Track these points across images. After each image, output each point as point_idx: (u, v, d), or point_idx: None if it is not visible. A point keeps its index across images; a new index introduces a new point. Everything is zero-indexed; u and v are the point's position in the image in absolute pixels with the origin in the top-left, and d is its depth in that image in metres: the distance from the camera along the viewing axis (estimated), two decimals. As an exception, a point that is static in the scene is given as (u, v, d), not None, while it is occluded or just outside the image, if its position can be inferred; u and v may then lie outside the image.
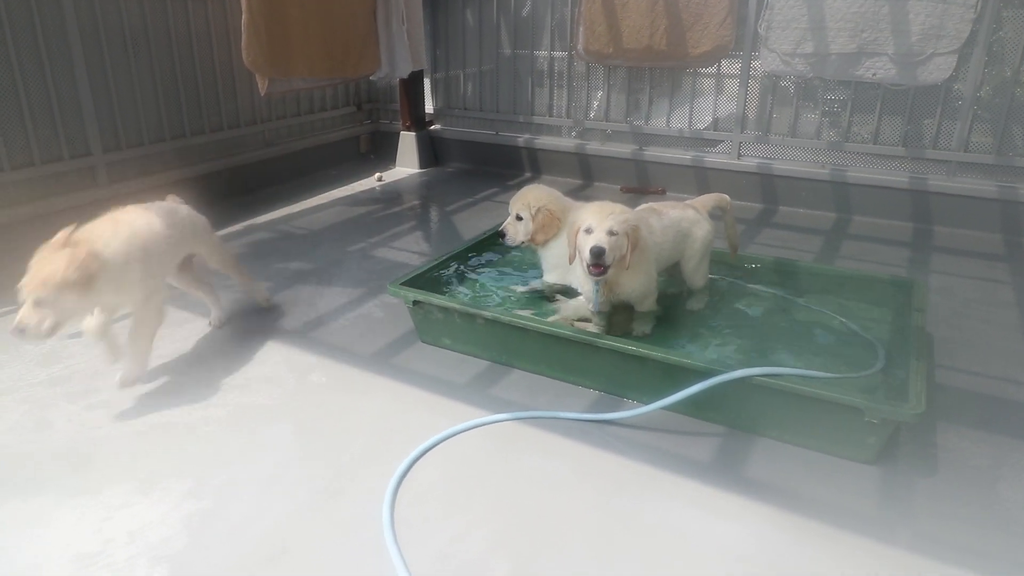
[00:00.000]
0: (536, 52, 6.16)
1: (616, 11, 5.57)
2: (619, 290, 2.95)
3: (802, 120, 5.25)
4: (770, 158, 5.41)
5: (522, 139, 6.35)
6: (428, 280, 3.35)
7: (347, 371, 2.94)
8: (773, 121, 5.34)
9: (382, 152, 6.95)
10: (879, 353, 2.85)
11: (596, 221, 2.76)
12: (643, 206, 3.20)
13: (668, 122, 5.76)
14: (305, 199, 5.56)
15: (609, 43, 5.67)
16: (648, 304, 3.07)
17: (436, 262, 3.51)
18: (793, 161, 5.34)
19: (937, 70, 4.66)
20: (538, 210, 3.33)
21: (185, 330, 3.30)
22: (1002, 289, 3.81)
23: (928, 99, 4.80)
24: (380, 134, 7.02)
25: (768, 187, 5.38)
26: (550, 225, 3.31)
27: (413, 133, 6.59)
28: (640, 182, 5.85)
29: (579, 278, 3.04)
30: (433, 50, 6.64)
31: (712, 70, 5.47)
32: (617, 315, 3.13)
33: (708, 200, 3.40)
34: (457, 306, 2.95)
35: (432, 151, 6.76)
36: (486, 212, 5.24)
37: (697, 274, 3.29)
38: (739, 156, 5.50)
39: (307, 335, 3.27)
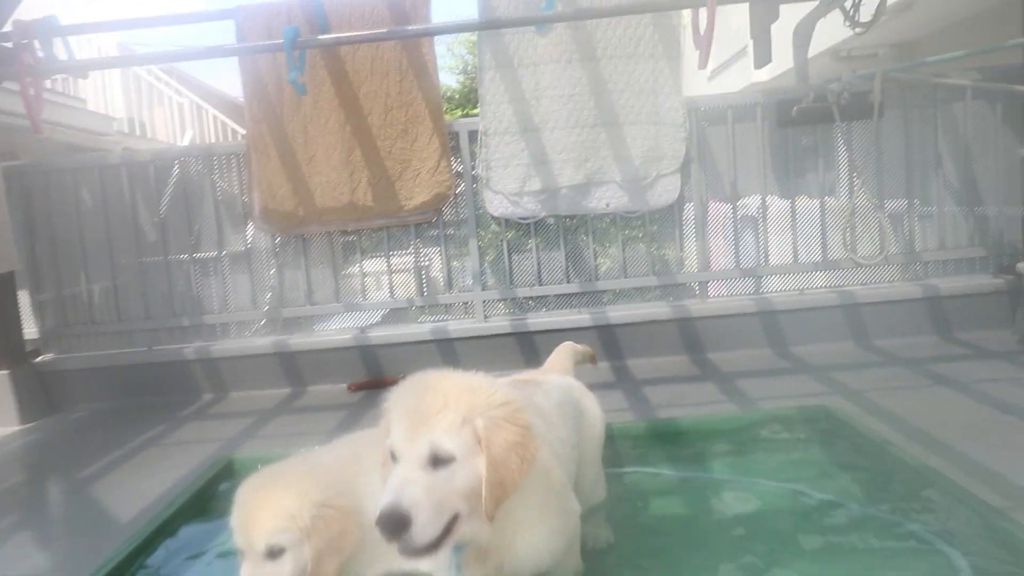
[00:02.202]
0: (197, 229, 4.60)
1: (300, 168, 4.41)
2: (509, 562, 1.50)
3: (547, 265, 4.57)
4: (521, 315, 4.56)
5: (191, 349, 4.53)
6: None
7: None
8: (516, 272, 4.56)
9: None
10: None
11: (403, 432, 1.42)
12: (508, 378, 1.86)
13: (392, 292, 4.60)
14: None
15: (297, 206, 4.43)
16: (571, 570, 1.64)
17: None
18: (548, 312, 4.56)
19: (665, 192, 4.41)
20: (313, 519, 1.68)
21: None
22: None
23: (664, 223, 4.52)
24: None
25: (527, 347, 4.46)
26: (341, 539, 1.69)
27: (3, 372, 4.27)
28: (372, 374, 4.45)
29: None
30: (30, 248, 4.59)
31: (435, 223, 4.55)
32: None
33: (565, 357, 2.21)
34: None
35: (43, 394, 4.46)
36: (155, 465, 3.27)
37: (599, 479, 2.00)
38: (485, 317, 4.54)
39: None
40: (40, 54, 4.08)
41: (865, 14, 3.89)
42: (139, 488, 2.91)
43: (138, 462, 3.34)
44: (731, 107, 4.39)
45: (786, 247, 4.44)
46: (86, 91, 11.61)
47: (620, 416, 3.29)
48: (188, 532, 2.15)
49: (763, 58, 3.94)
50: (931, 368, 3.59)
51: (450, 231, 4.57)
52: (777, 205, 4.48)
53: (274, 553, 1.62)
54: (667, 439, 2.56)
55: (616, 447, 2.49)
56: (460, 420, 1.40)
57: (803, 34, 4.27)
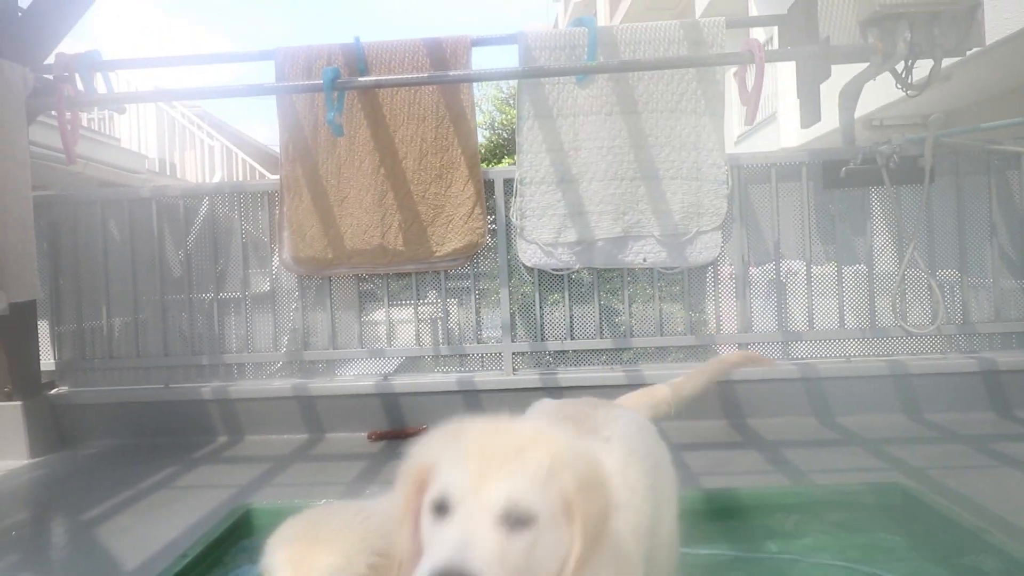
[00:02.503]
0: (221, 267, 4.51)
1: (332, 210, 4.33)
2: None
3: (578, 319, 4.41)
4: (550, 370, 4.38)
5: (209, 389, 4.38)
6: None
7: None
8: (546, 324, 4.40)
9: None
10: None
11: (467, 476, 1.08)
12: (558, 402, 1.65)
13: (418, 339, 4.44)
14: None
15: (327, 248, 4.33)
16: None
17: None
18: (578, 368, 4.38)
19: (705, 249, 4.27)
20: (369, 568, 1.39)
21: None
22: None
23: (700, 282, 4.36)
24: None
25: (556, 403, 4.25)
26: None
27: (17, 403, 4.13)
28: (393, 424, 4.26)
29: None
30: (54, 278, 4.51)
31: (466, 271, 4.43)
32: None
33: (644, 399, 2.00)
34: None
35: (55, 428, 4.31)
36: (164, 508, 3.09)
37: (672, 558, 1.61)
38: (514, 371, 4.36)
39: None
40: (80, 87, 4.11)
41: (916, 74, 3.81)
42: (146, 534, 2.72)
43: (147, 505, 3.15)
44: (775, 165, 4.28)
45: (831, 312, 4.26)
46: (121, 131, 11.86)
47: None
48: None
49: (811, 117, 3.86)
50: (993, 447, 3.34)
51: (481, 280, 4.44)
52: (821, 268, 4.32)
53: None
54: (723, 513, 2.34)
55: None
56: (545, 472, 1.08)
57: (850, 95, 4.18)
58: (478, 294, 4.43)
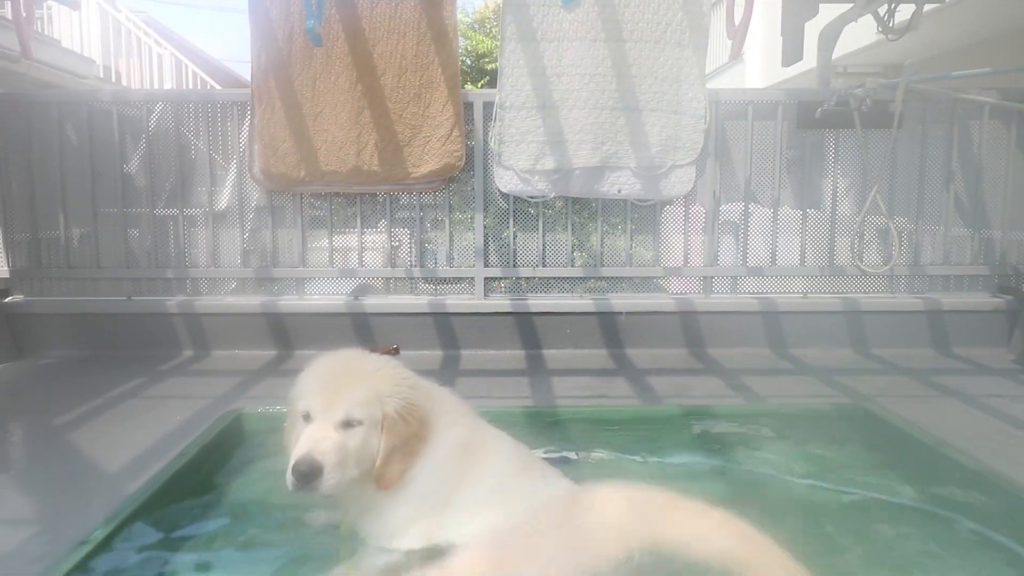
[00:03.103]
0: (189, 179, 4.38)
1: (305, 124, 4.22)
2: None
3: (551, 247, 4.46)
4: (522, 295, 4.45)
5: (175, 302, 4.31)
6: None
7: None
8: (519, 250, 4.45)
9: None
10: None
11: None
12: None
13: (392, 261, 4.44)
14: None
15: (298, 164, 4.23)
16: None
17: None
18: (549, 295, 4.47)
19: (679, 183, 4.34)
20: (401, 408, 1.70)
21: None
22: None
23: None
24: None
25: (526, 328, 4.35)
26: (418, 438, 1.71)
27: (-28, 310, 4.00)
28: (364, 343, 4.29)
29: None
30: (6, 183, 4.31)
31: (441, 196, 4.41)
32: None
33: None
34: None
35: (11, 336, 4.20)
36: (140, 417, 3.08)
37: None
38: (485, 295, 4.42)
39: None
40: (34, -24, 3.83)
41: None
42: (124, 440, 2.72)
43: (119, 413, 3.14)
44: (752, 103, 4.34)
45: (793, 250, 4.42)
46: (60, 30, 11.08)
47: (627, 403, 3.24)
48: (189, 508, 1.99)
49: (794, 55, 3.91)
50: (933, 379, 3.60)
51: (455, 204, 4.43)
52: (789, 209, 4.45)
53: (349, 424, 1.63)
54: (698, 426, 2.48)
55: (638, 432, 2.41)
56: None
57: (829, 36, 4.24)
58: (453, 218, 4.43)
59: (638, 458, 2.28)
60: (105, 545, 1.61)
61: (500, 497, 1.69)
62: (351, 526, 1.77)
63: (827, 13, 4.52)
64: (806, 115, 4.22)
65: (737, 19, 3.65)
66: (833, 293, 4.41)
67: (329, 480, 1.56)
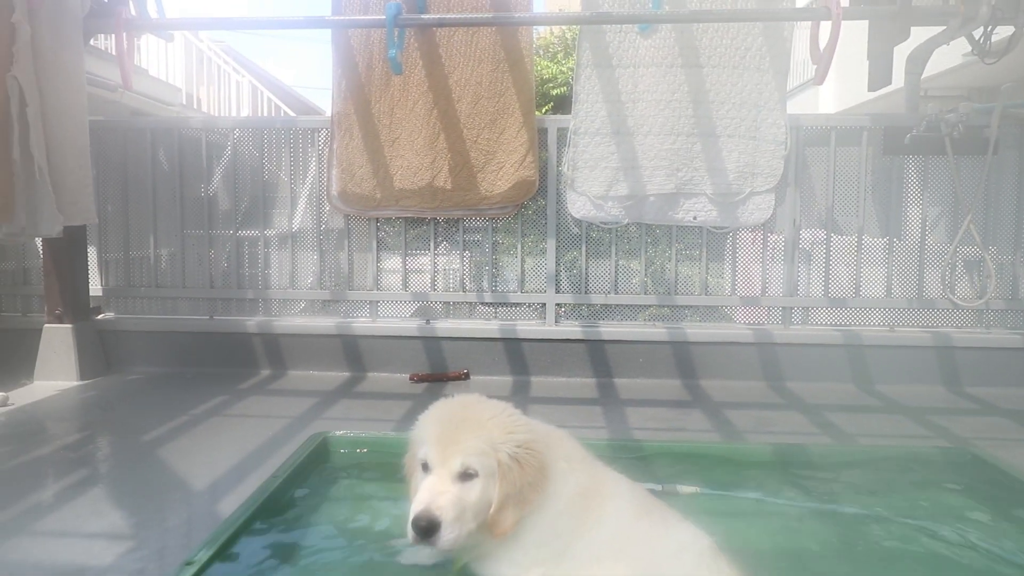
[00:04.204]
0: (270, 202, 4.52)
1: (382, 149, 4.31)
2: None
3: (623, 274, 4.41)
4: (593, 322, 4.40)
5: (253, 323, 4.43)
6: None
7: None
8: (591, 277, 4.41)
9: (2, 360, 4.32)
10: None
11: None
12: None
13: (463, 284, 4.47)
14: None
15: (375, 189, 4.32)
16: None
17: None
18: (621, 323, 4.40)
19: (757, 210, 4.23)
20: (516, 456, 1.68)
21: None
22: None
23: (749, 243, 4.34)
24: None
25: (597, 356, 4.29)
26: (532, 486, 1.69)
27: (68, 326, 4.20)
28: (434, 367, 4.31)
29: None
30: (102, 205, 4.53)
31: (514, 221, 4.41)
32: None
33: None
34: None
35: (101, 352, 4.39)
36: (223, 435, 3.17)
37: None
38: (556, 322, 4.39)
39: None
40: (133, 12, 4.06)
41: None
42: (210, 458, 2.79)
43: (205, 430, 3.24)
44: (835, 128, 4.21)
45: (878, 280, 4.24)
46: (148, 60, 11.71)
47: (702, 436, 3.13)
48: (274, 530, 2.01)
49: (881, 80, 3.78)
50: (1038, 422, 3.36)
51: (528, 230, 4.43)
52: (872, 238, 4.28)
53: (466, 476, 1.63)
54: (794, 466, 2.37)
55: (728, 470, 2.32)
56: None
57: (918, 60, 4.08)
58: (525, 244, 4.43)
59: (731, 494, 2.19)
60: (207, 566, 1.64)
61: (621, 544, 1.65)
62: (464, 569, 1.76)
63: (916, 35, 4.35)
64: (894, 141, 4.06)
65: (822, 43, 3.55)
66: (921, 327, 4.20)
67: (447, 535, 1.57)
